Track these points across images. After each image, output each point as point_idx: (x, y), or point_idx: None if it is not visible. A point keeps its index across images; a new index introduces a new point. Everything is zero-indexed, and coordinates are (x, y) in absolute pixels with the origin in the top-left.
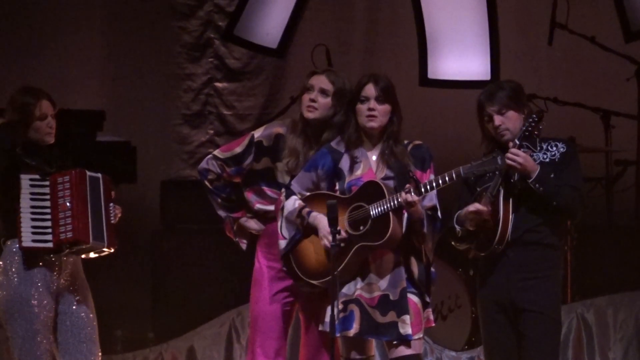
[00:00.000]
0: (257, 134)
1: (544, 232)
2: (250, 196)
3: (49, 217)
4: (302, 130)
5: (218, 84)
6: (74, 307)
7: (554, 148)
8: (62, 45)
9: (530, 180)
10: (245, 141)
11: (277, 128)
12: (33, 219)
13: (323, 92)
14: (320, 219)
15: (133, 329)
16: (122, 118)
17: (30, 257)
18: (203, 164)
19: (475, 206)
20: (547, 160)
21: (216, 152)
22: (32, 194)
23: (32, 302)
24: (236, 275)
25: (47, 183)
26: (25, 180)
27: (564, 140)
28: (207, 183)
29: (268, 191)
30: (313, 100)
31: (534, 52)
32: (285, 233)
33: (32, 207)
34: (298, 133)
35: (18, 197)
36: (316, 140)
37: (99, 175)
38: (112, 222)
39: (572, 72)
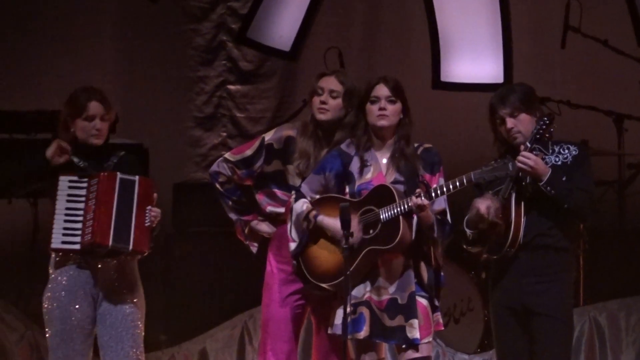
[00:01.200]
0: (268, 136)
1: (556, 235)
2: (261, 199)
3: (80, 219)
4: (313, 132)
5: (231, 87)
6: (115, 307)
7: (566, 151)
8: (75, 49)
9: (542, 183)
10: (256, 144)
11: (288, 131)
12: (66, 221)
13: (333, 93)
14: (328, 222)
15: (145, 331)
16: (135, 121)
17: (74, 262)
18: (214, 167)
19: (481, 204)
20: (559, 163)
21: (227, 155)
22: (69, 195)
23: (71, 307)
24: (248, 277)
25: (85, 185)
26: (63, 181)
27: (576, 143)
28: (218, 186)
29: (279, 193)
30: (324, 102)
31: (547, 55)
32: (295, 235)
33: (67, 208)
34: (309, 135)
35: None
36: (327, 141)
37: (135, 178)
38: (147, 225)
39: (585, 75)
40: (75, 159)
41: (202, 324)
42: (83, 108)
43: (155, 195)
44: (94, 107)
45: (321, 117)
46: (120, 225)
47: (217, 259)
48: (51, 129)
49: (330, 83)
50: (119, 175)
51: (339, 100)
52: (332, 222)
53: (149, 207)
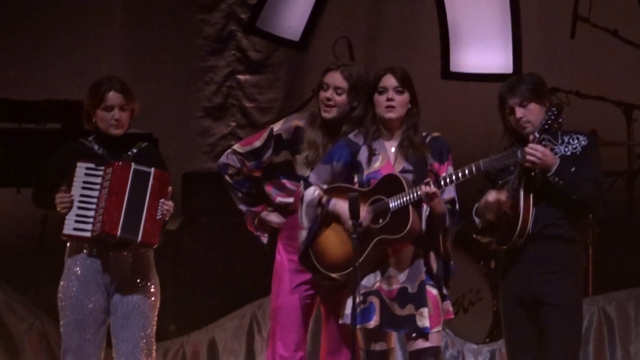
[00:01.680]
0: (276, 127)
1: (565, 225)
2: (270, 190)
3: (93, 207)
4: (321, 123)
5: (240, 77)
6: (128, 296)
7: (575, 141)
8: (84, 38)
9: (550, 174)
10: (265, 135)
11: (296, 121)
12: (79, 208)
13: (338, 90)
14: (341, 206)
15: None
16: (144, 110)
17: (87, 251)
18: (223, 159)
19: (491, 195)
20: (569, 153)
21: (235, 147)
22: (84, 182)
23: (84, 297)
24: (257, 267)
25: (101, 173)
26: (81, 168)
27: (585, 133)
28: (227, 178)
29: (288, 184)
30: (329, 99)
31: (556, 46)
32: (306, 223)
33: (82, 195)
34: (317, 126)
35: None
36: (335, 132)
37: (150, 170)
38: (158, 217)
39: (594, 65)
40: (96, 147)
41: (211, 313)
42: (102, 98)
43: (170, 189)
44: (113, 97)
45: (326, 115)
46: (131, 216)
47: (226, 249)
48: (60, 118)
49: (335, 79)
50: (133, 165)
51: (344, 97)
52: (345, 206)
53: (162, 200)
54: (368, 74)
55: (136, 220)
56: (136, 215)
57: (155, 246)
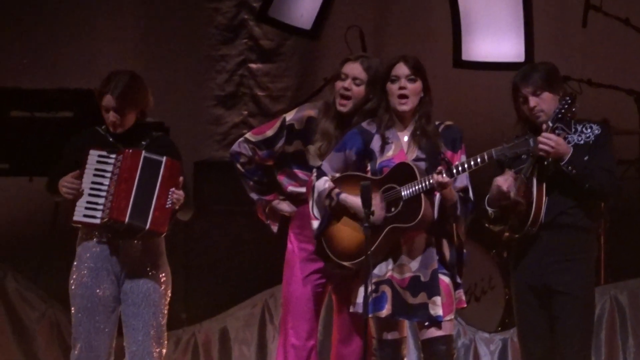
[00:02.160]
0: (289, 117)
1: (578, 214)
2: (282, 179)
3: (104, 194)
4: (335, 114)
5: (252, 65)
6: (138, 284)
7: (589, 130)
8: (96, 27)
9: (563, 163)
10: (277, 124)
11: (309, 111)
12: (90, 195)
13: (356, 80)
14: (351, 200)
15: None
16: (156, 99)
17: (97, 239)
18: (235, 147)
19: (497, 181)
20: (582, 142)
21: (248, 136)
22: (96, 169)
23: (94, 285)
24: (269, 256)
25: (112, 160)
26: (93, 155)
27: (598, 122)
28: (239, 166)
29: (300, 174)
30: (347, 89)
31: (568, 34)
32: (317, 214)
33: (93, 182)
34: (331, 117)
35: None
36: (348, 123)
37: (162, 158)
38: (168, 206)
39: (606, 54)
40: (109, 135)
41: (223, 302)
42: (99, 99)
43: (181, 178)
44: (108, 100)
45: (342, 109)
46: (140, 204)
47: (237, 237)
48: (72, 107)
49: (355, 70)
50: (143, 153)
51: (362, 88)
52: (355, 200)
53: (172, 189)
54: (382, 65)
55: (145, 208)
56: (145, 202)
57: (163, 235)
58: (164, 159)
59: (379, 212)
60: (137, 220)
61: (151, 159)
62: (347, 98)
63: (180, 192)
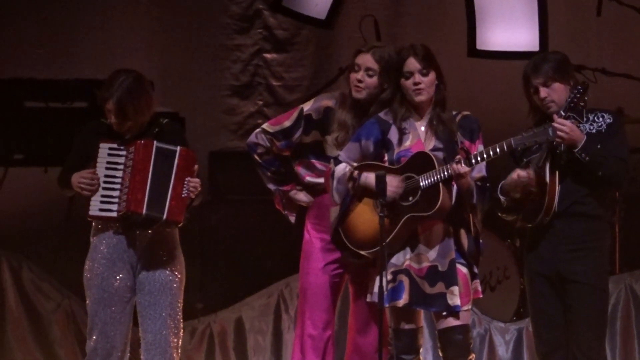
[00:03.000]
0: (306, 107)
1: (591, 203)
2: (299, 169)
3: (118, 187)
4: (352, 105)
5: (267, 55)
6: (154, 274)
7: (601, 119)
8: (111, 17)
9: (576, 150)
10: (295, 114)
11: (326, 101)
12: (104, 188)
13: (369, 71)
14: (372, 179)
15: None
16: (171, 89)
17: (114, 230)
18: (252, 138)
19: (517, 173)
20: (594, 131)
21: (265, 126)
22: (108, 162)
23: (110, 275)
24: (284, 245)
25: (124, 153)
26: (104, 149)
27: (610, 111)
28: (256, 157)
29: (317, 164)
30: (360, 81)
31: (582, 23)
32: (337, 198)
33: (106, 176)
34: (348, 108)
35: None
36: (365, 113)
37: (176, 148)
38: (184, 196)
39: (620, 43)
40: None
41: (238, 292)
42: (102, 102)
43: (196, 167)
44: (110, 105)
45: (357, 95)
46: (156, 194)
47: (253, 227)
48: (87, 97)
49: (367, 61)
50: (155, 143)
51: (375, 79)
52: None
53: (187, 178)
54: (396, 56)
55: (161, 199)
56: (161, 193)
57: (180, 224)
58: (178, 148)
59: (398, 192)
60: (155, 211)
61: (164, 148)
62: (361, 88)
63: (196, 180)
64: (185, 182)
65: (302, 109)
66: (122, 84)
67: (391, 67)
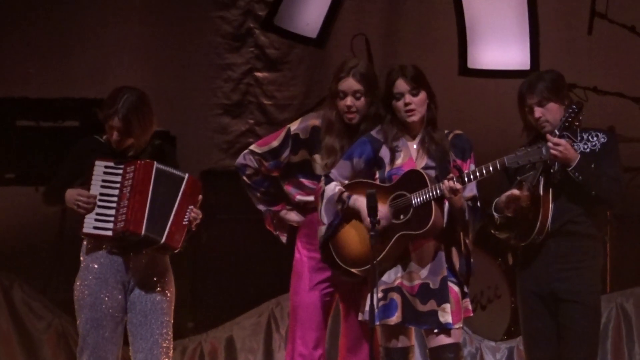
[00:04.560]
0: (294, 127)
1: (584, 222)
2: (289, 189)
3: (114, 205)
4: (341, 129)
5: (258, 74)
6: (146, 294)
7: (595, 138)
8: (103, 35)
9: (570, 169)
10: (282, 135)
11: (313, 120)
12: (99, 206)
13: (357, 94)
14: (361, 202)
15: (172, 318)
16: (162, 107)
17: (106, 249)
18: (240, 160)
19: (512, 192)
20: (588, 150)
21: (253, 147)
22: (103, 181)
23: (102, 295)
24: (275, 265)
25: (120, 171)
26: (99, 166)
27: (604, 130)
28: (245, 178)
29: (307, 183)
30: (350, 107)
31: (573, 42)
32: (325, 219)
33: (101, 194)
34: (334, 132)
35: (89, 182)
36: (354, 132)
37: (184, 175)
38: (184, 223)
39: (611, 61)
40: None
41: (229, 311)
42: (106, 118)
43: (200, 197)
44: (115, 122)
45: (352, 121)
46: (156, 216)
47: (244, 246)
48: (78, 116)
49: (352, 85)
50: (155, 164)
51: (363, 99)
52: (365, 202)
53: (190, 207)
54: (372, 66)
55: (162, 222)
56: (162, 216)
57: (176, 251)
58: (187, 175)
59: (383, 222)
60: (154, 233)
61: (167, 172)
62: (353, 112)
63: (198, 211)
64: (189, 210)
65: (289, 129)
66: (127, 101)
67: (373, 81)
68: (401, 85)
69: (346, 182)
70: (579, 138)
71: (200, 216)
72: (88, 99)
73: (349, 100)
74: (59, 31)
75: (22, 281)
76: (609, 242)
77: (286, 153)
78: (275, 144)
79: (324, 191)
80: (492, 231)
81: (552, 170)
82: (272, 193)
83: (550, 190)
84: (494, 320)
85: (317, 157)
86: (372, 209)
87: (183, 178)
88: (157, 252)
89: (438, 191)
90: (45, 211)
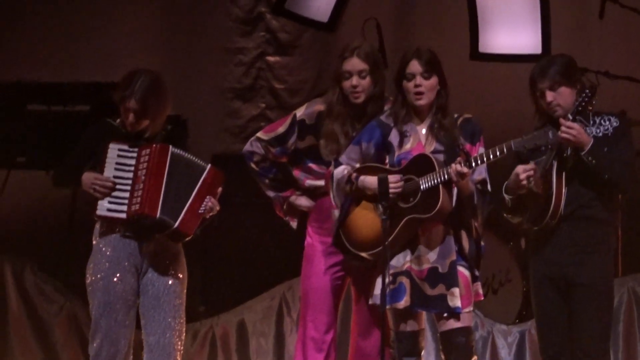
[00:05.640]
0: (299, 113)
1: (597, 207)
2: (298, 174)
3: (128, 188)
4: (341, 112)
5: (269, 58)
6: (158, 278)
7: (607, 122)
8: (113, 20)
9: (583, 153)
10: (288, 121)
11: (319, 105)
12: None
13: (362, 73)
14: (369, 181)
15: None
16: (173, 92)
17: (119, 232)
18: (247, 147)
19: (519, 168)
20: (600, 134)
21: (259, 134)
22: (117, 163)
23: (115, 278)
24: (287, 248)
25: (134, 154)
26: (113, 149)
27: (616, 114)
28: (253, 165)
29: (315, 167)
30: (355, 86)
31: (585, 26)
32: (337, 201)
33: (115, 177)
34: (334, 116)
35: (102, 164)
36: (358, 118)
37: (207, 165)
38: (200, 211)
39: (623, 45)
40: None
41: (240, 295)
42: (122, 100)
43: (220, 189)
44: (132, 104)
45: (357, 101)
46: (171, 201)
47: (255, 230)
48: (89, 100)
49: (356, 64)
50: (171, 148)
51: (368, 78)
52: (373, 180)
53: (209, 197)
54: (395, 56)
55: (178, 207)
56: (178, 201)
57: (188, 238)
58: (209, 166)
59: (395, 187)
60: (168, 217)
61: (185, 158)
62: (359, 92)
63: (215, 203)
64: (206, 200)
65: (295, 115)
66: (144, 82)
67: (377, 60)
68: (414, 66)
69: (357, 165)
70: (591, 122)
71: (217, 208)
72: (98, 83)
73: (354, 80)
74: (69, 15)
75: (34, 264)
76: (621, 226)
77: (292, 139)
78: (281, 130)
79: (332, 174)
80: (505, 214)
81: (565, 155)
82: (280, 179)
83: (563, 174)
84: (506, 304)
85: (322, 142)
86: (384, 194)
87: (205, 168)
88: (169, 238)
89: (446, 175)
90: (56, 195)
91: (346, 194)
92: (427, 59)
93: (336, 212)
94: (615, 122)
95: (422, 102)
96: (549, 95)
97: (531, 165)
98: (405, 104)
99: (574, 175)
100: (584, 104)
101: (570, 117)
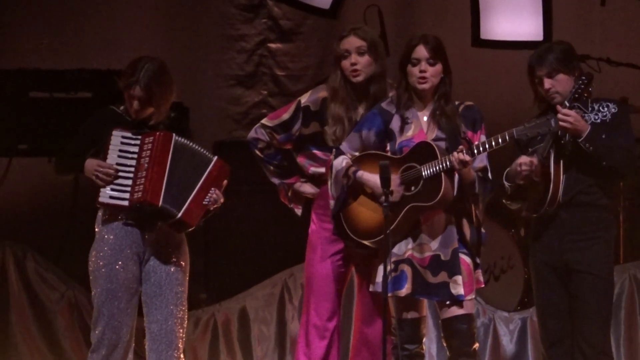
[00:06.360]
0: (304, 99)
1: (596, 193)
2: (303, 161)
3: (130, 175)
4: (344, 96)
5: (272, 45)
6: (161, 265)
7: (605, 109)
8: (116, 6)
9: (581, 140)
10: (292, 107)
11: (323, 92)
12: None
13: (360, 49)
14: (368, 177)
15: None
16: (175, 79)
17: (121, 220)
18: (252, 134)
19: (522, 158)
20: (598, 121)
21: (264, 121)
22: (120, 151)
23: (117, 266)
24: (289, 235)
25: (138, 142)
26: (116, 136)
27: (615, 101)
28: (257, 152)
29: (320, 154)
30: (354, 64)
31: (586, 13)
32: (334, 192)
33: (118, 164)
34: (340, 100)
35: (106, 151)
36: (360, 100)
37: (213, 157)
38: (204, 203)
39: (624, 32)
40: (127, 115)
41: (242, 282)
42: (127, 86)
43: (225, 182)
44: (137, 91)
45: (357, 79)
46: (174, 190)
47: (257, 217)
48: (91, 87)
49: (354, 42)
50: (174, 136)
51: (367, 56)
52: (371, 177)
53: (214, 189)
54: (398, 42)
55: (181, 196)
56: (182, 190)
57: (191, 229)
58: (215, 158)
59: (395, 193)
60: (171, 205)
61: (190, 147)
62: (358, 70)
63: (220, 195)
64: (211, 192)
65: (299, 102)
66: (149, 69)
67: (377, 42)
68: (421, 51)
69: (356, 154)
70: (589, 109)
71: (222, 200)
72: (101, 70)
73: (353, 58)
74: (72, 2)
75: (35, 252)
76: (621, 213)
77: (297, 126)
78: (286, 116)
79: (332, 165)
80: (504, 201)
81: (562, 142)
82: (285, 166)
83: (561, 161)
84: (507, 291)
85: (327, 128)
86: (386, 180)
87: (211, 159)
88: (172, 227)
89: (447, 163)
90: (58, 182)
91: (343, 187)
92: (434, 46)
93: (332, 203)
94: (613, 109)
95: (426, 85)
96: (547, 83)
97: (534, 159)
98: (408, 89)
99: (572, 162)
100: (580, 90)
101: (567, 104)
